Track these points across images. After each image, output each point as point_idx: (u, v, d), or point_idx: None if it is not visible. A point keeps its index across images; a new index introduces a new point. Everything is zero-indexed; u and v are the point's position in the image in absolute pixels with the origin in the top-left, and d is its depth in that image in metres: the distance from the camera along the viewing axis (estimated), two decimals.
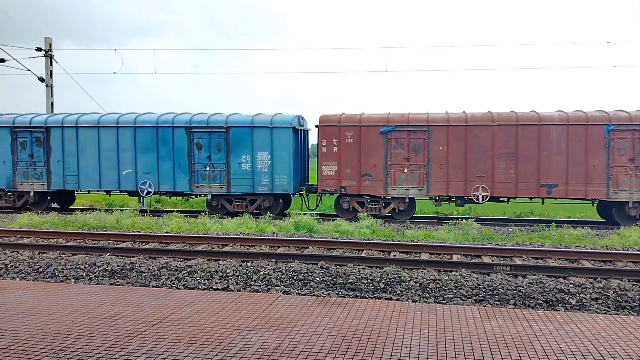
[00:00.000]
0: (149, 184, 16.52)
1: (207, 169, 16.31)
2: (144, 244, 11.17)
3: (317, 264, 8.82)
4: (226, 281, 8.21)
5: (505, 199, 15.31)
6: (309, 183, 17.12)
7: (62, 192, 17.80)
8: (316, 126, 15.85)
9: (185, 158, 16.41)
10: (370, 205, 15.65)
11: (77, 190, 18.01)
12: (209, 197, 16.39)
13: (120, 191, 17.30)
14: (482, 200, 14.89)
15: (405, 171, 15.27)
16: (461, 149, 14.95)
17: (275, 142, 15.94)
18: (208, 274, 8.46)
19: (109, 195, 18.56)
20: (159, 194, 17.20)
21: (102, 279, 8.54)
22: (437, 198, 15.48)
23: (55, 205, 18.89)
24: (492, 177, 14.83)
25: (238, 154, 16.15)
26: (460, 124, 14.99)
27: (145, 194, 16.70)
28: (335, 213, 17.71)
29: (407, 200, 15.39)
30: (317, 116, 16.55)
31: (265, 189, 16.08)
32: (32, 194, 17.29)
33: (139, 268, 8.85)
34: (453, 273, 8.37)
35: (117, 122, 16.77)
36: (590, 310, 7.00)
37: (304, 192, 16.86)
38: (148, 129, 16.59)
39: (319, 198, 16.73)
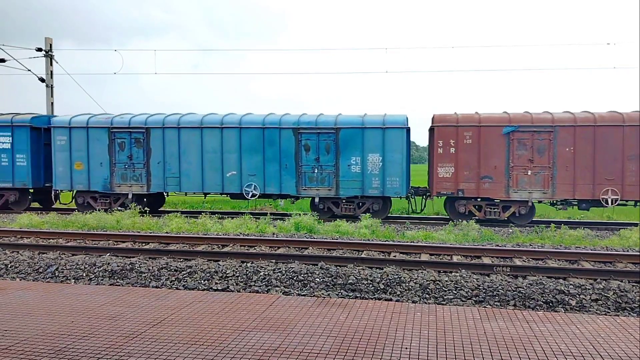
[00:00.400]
0: (255, 186, 16.14)
1: (315, 171, 15.91)
2: (144, 244, 11.17)
3: (317, 265, 8.82)
4: (226, 282, 8.21)
5: (633, 203, 14.90)
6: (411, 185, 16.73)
7: (154, 194, 17.32)
8: (432, 126, 15.41)
9: (292, 160, 16.01)
10: (489, 209, 15.21)
11: (174, 193, 17.35)
12: (317, 199, 15.98)
13: (223, 193, 16.80)
14: (612, 203, 14.47)
15: (529, 173, 14.78)
16: (589, 150, 14.48)
17: (387, 143, 15.49)
18: (208, 275, 8.46)
19: (204, 198, 18.06)
20: (260, 197, 16.65)
21: (102, 280, 8.54)
22: (560, 202, 15.04)
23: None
24: (622, 180, 14.36)
25: (348, 155, 15.73)
26: (588, 125, 14.53)
27: (250, 197, 16.25)
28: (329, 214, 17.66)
29: (530, 203, 14.99)
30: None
31: (376, 192, 15.60)
32: (130, 196, 16.83)
33: (139, 268, 8.85)
34: (453, 274, 8.37)
35: (221, 123, 16.35)
36: (590, 311, 7.00)
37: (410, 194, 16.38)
38: (254, 130, 16.17)
39: (424, 201, 16.39)
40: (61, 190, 17.57)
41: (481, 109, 15.93)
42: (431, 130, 15.57)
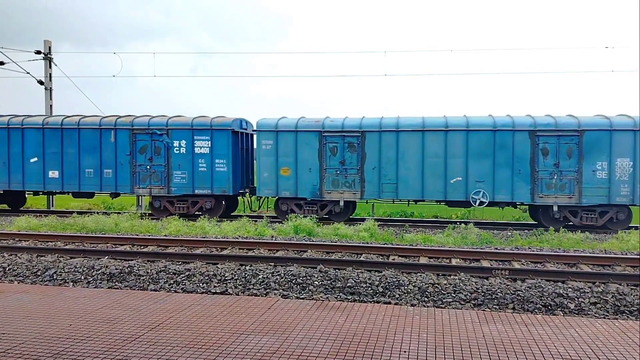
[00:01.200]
0: (483, 193, 14.95)
1: (554, 177, 14.67)
2: (142, 247, 11.16)
3: (315, 268, 8.81)
4: (225, 285, 8.20)
5: None
6: None
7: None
8: None
9: (527, 165, 14.78)
10: None
11: (375, 200, 16.24)
12: (555, 208, 14.76)
13: (444, 201, 15.65)
14: None
15: None
16: None
17: None
18: (206, 278, 8.45)
19: (408, 204, 16.76)
20: (489, 204, 15.37)
21: (100, 283, 8.53)
22: None
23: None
24: None
25: (592, 160, 14.48)
26: None
27: (478, 204, 15.05)
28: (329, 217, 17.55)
29: None
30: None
31: (624, 200, 14.47)
32: (341, 203, 15.80)
33: (137, 271, 8.83)
34: (452, 277, 8.37)
35: (446, 126, 15.15)
36: (589, 314, 7.00)
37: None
38: (483, 133, 14.98)
39: None
40: (251, 196, 16.84)
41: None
42: None
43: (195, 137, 16.51)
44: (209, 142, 16.46)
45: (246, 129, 17.43)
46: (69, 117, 17.46)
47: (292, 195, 16.05)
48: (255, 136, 17.21)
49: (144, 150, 16.75)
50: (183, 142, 16.58)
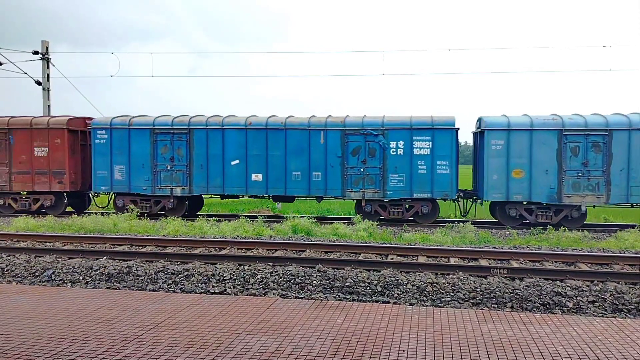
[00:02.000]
0: None
1: None
2: (140, 247, 11.15)
3: (314, 268, 8.82)
4: (223, 285, 8.20)
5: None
6: None
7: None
8: None
9: None
10: None
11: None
12: None
13: None
14: None
15: None
16: None
17: None
18: (205, 278, 8.45)
19: (629, 207, 15.46)
20: None
21: (98, 283, 8.52)
22: None
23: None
24: None
25: None
26: None
27: None
28: (332, 216, 17.59)
29: None
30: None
31: None
32: (583, 208, 14.87)
33: (135, 272, 8.82)
34: (450, 276, 8.38)
35: None
36: (587, 313, 7.01)
37: None
38: None
39: None
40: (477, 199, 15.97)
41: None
42: None
43: (414, 138, 15.59)
44: (430, 142, 15.54)
45: None
46: (273, 117, 16.58)
47: (524, 200, 15.14)
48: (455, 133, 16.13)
49: (357, 152, 15.84)
50: (400, 143, 15.68)
